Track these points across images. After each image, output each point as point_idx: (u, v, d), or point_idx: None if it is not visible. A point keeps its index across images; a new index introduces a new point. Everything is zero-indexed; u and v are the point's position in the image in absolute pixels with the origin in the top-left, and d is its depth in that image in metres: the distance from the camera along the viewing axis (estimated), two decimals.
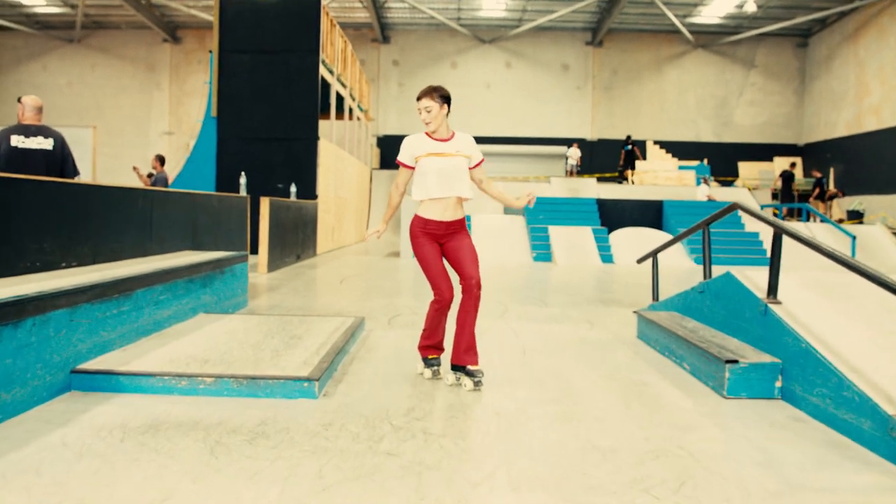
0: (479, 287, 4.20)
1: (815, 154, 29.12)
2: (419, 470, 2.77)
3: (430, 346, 4.44)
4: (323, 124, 18.98)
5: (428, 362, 4.44)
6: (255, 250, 11.31)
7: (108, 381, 3.93)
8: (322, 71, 16.15)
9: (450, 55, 31.10)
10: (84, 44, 30.89)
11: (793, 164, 23.41)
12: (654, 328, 5.54)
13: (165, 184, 12.26)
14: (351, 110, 21.20)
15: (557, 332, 6.23)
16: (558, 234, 15.72)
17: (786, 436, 3.38)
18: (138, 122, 30.93)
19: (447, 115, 4.26)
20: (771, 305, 4.36)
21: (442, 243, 4.30)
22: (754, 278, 4.86)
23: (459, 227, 4.32)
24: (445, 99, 4.24)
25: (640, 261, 7.59)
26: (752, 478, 2.78)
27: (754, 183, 27.96)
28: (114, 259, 6.17)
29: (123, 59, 30.98)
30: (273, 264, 11.56)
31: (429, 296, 4.47)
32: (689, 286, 5.70)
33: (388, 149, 29.49)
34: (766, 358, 4.20)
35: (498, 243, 16.04)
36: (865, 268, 3.53)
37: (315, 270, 12.05)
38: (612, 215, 17.39)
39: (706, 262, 5.64)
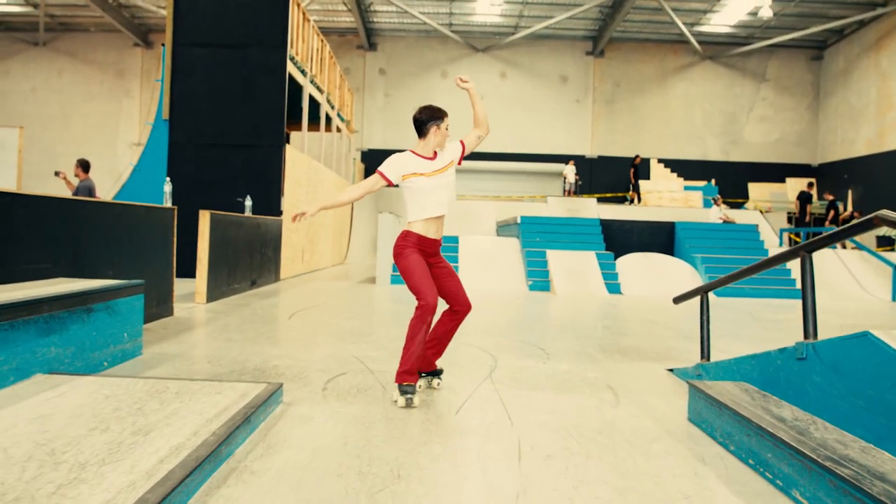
0: (468, 312, 4.38)
1: (830, 175, 27.17)
2: None
3: (409, 372, 4.11)
4: (296, 135, 17.02)
5: (403, 389, 4.11)
6: (194, 274, 9.30)
7: None
8: (291, 69, 14.15)
9: (440, 64, 29.05)
10: (50, 47, 28.86)
11: (810, 185, 21.40)
12: (721, 413, 3.48)
13: (89, 193, 10.21)
14: (329, 119, 19.21)
15: (569, 410, 4.15)
16: (558, 260, 13.61)
17: None
18: (106, 131, 28.75)
19: None
20: None
21: (430, 263, 4.27)
22: None
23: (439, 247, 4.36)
24: None
25: (678, 300, 5.52)
26: None
27: (766, 205, 25.99)
28: None
29: (92, 65, 28.90)
30: (216, 292, 9.54)
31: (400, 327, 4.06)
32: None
33: (374, 164, 27.31)
34: None
35: (488, 269, 13.89)
36: None
37: (268, 300, 9.97)
38: (618, 238, 15.31)
39: (808, 308, 3.58)
